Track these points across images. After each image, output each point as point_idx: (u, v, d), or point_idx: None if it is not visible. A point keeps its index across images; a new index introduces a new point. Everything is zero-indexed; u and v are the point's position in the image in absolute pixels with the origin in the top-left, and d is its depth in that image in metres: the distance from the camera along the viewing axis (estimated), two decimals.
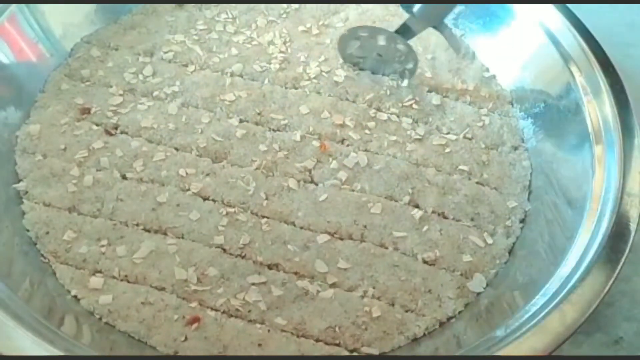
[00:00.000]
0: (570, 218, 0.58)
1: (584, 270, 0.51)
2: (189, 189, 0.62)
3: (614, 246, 0.52)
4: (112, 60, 0.73)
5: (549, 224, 0.61)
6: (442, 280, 0.58)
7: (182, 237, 0.59)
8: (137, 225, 0.59)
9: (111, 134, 0.65)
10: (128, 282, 0.56)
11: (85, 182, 0.61)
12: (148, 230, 0.59)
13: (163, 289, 0.56)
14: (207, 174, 0.63)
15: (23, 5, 0.69)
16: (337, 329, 0.54)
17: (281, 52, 0.75)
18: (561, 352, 0.47)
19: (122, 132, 0.66)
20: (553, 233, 0.59)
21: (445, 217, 0.62)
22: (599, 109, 0.63)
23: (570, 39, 0.68)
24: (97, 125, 0.66)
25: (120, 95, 0.69)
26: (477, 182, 0.65)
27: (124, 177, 0.63)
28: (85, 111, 0.67)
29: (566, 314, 0.48)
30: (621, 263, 0.51)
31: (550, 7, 0.71)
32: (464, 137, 0.69)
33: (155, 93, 0.70)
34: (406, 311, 0.56)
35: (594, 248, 0.52)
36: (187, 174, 0.63)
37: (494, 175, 0.66)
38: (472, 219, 0.62)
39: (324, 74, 0.73)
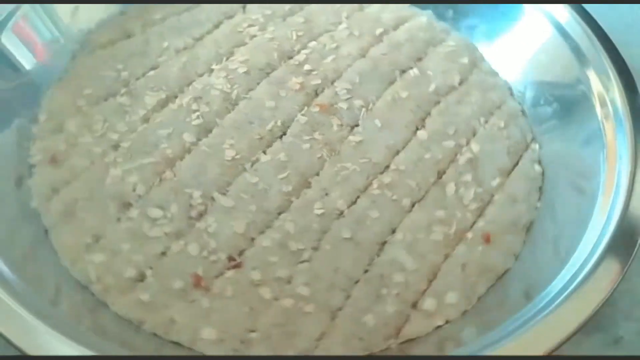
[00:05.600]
0: (581, 212, 0.58)
1: (591, 267, 0.52)
2: None
3: (624, 240, 0.53)
4: None
5: (555, 220, 0.61)
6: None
7: None
8: None
9: None
10: None
11: None
12: None
13: None
14: None
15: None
16: None
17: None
18: (561, 352, 0.48)
19: None
20: (561, 228, 0.60)
21: None
22: (609, 99, 0.64)
23: (578, 30, 0.70)
24: None
25: None
26: None
27: None
28: None
29: (571, 310, 0.49)
30: (633, 256, 0.52)
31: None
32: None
33: None
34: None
35: (603, 243, 0.53)
36: None
37: None
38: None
39: None
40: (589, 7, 0.72)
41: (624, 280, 0.50)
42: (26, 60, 0.69)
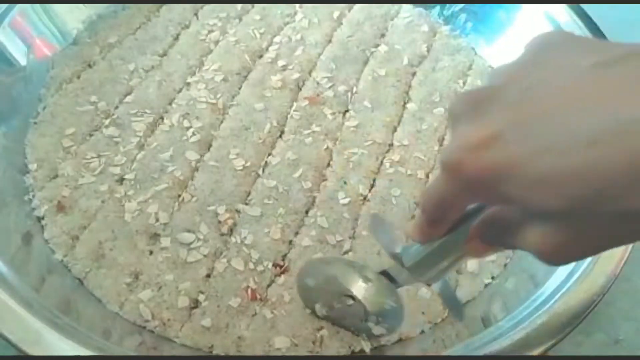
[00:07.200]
0: None
1: (586, 266, 0.51)
2: None
3: None
4: None
5: None
6: None
7: None
8: None
9: None
10: None
11: None
12: None
13: None
14: None
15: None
16: None
17: None
18: (561, 352, 0.48)
19: None
20: None
21: None
22: None
23: (576, 30, 0.71)
24: None
25: None
26: None
27: None
28: None
29: (567, 308, 0.48)
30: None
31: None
32: None
33: None
34: None
35: None
36: None
37: None
38: None
39: None
40: (589, 7, 0.73)
41: (623, 281, 0.50)
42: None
